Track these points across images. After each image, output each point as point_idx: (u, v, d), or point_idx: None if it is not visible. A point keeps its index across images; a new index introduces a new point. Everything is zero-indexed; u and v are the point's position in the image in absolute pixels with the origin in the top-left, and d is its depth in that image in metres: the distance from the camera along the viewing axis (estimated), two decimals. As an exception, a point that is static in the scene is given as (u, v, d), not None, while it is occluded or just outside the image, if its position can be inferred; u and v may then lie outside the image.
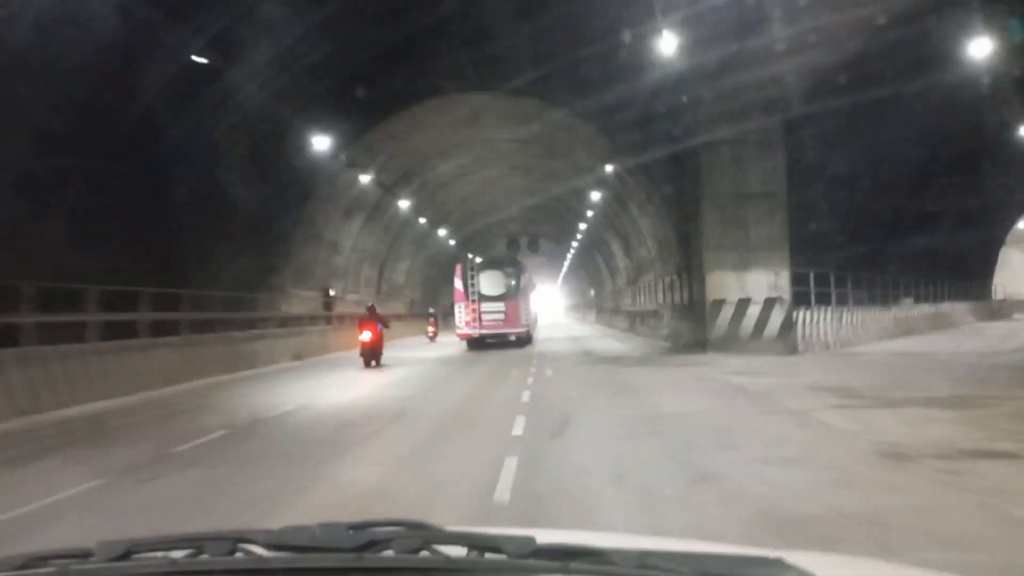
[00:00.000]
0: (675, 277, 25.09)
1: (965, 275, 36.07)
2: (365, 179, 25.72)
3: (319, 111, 20.36)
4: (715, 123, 17.33)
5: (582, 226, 40.57)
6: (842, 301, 21.37)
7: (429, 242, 41.30)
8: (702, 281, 18.28)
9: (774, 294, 17.39)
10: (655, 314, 26.19)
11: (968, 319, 33.26)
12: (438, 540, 1.15)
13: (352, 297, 31.27)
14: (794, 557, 1.14)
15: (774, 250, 17.52)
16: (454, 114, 26.07)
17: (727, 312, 17.60)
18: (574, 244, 49.48)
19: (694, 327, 19.30)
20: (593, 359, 18.19)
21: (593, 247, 45.92)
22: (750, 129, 17.03)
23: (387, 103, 23.12)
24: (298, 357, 21.81)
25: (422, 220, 35.26)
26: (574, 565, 1.04)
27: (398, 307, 38.64)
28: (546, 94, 23.80)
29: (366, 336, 17.89)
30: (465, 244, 48.55)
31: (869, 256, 25.35)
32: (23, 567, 1.14)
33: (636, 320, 30.65)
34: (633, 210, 29.87)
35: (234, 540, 1.17)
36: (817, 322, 18.82)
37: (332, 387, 13.74)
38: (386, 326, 18.69)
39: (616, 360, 17.62)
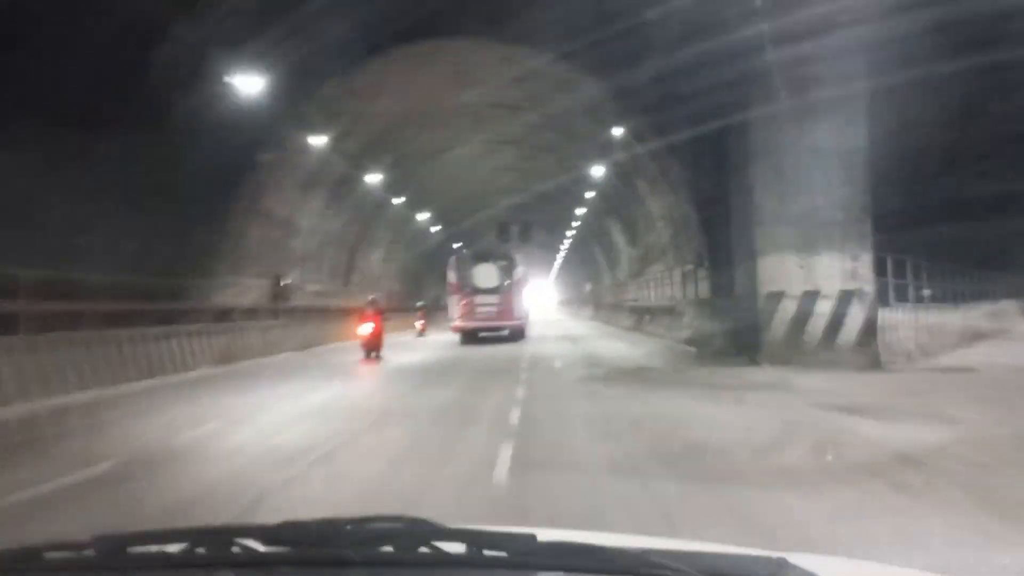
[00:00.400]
0: (695, 266, 20.18)
1: (1000, 268, 31.24)
2: (320, 143, 20.62)
3: (257, 54, 15.34)
4: (771, 54, 12.34)
5: (579, 211, 35.55)
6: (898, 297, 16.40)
7: (408, 228, 36.23)
8: (751, 266, 13.32)
9: (851, 285, 12.44)
10: (670, 311, 21.24)
11: (1019, 320, 28.48)
12: (438, 536, 1.09)
13: (314, 287, 26.23)
14: (796, 558, 1.09)
15: (851, 225, 12.50)
16: (429, 69, 21.08)
17: (787, 309, 12.60)
18: (570, 233, 44.46)
19: (734, 329, 14.36)
20: (605, 372, 13.10)
21: (591, 235, 40.92)
22: (821, 58, 12.04)
23: (345, 50, 18.15)
24: (225, 361, 16.79)
25: (398, 201, 30.16)
26: (575, 563, 1.01)
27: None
28: (539, 40, 18.90)
29: (367, 329, 17.29)
30: (450, 231, 43.48)
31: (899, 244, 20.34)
32: (20, 559, 1.11)
33: (643, 317, 25.71)
34: (642, 188, 24.90)
35: (231, 534, 1.13)
36: (895, 324, 13.89)
37: (218, 417, 8.76)
38: (385, 319, 18.42)
39: (638, 375, 12.53)
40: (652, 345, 18.78)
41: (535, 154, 30.56)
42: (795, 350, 12.40)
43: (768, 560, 1.05)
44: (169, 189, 15.85)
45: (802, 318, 12.44)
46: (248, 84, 15.24)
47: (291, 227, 23.47)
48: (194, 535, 1.13)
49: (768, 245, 12.81)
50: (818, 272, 12.47)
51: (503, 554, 1.03)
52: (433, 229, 39.13)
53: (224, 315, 18.49)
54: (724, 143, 14.89)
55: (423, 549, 1.05)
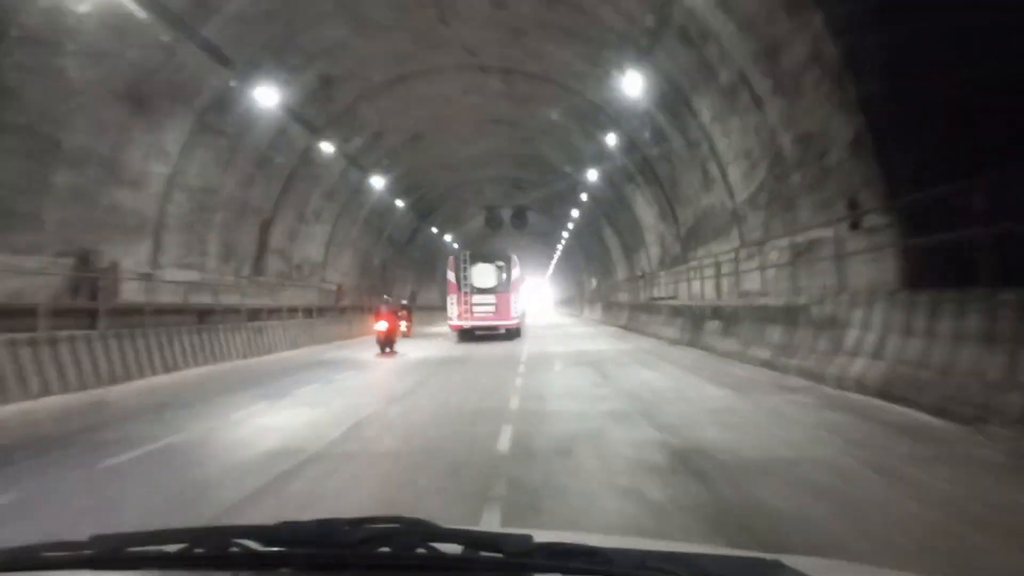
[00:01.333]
0: (850, 223, 9.66)
1: None
2: (140, 13, 10.02)
3: None
4: None
5: (591, 178, 24.92)
6: None
7: (364, 200, 25.65)
8: None
9: None
10: (787, 316, 10.65)
11: None
12: (435, 537, 1.04)
13: (186, 276, 15.69)
14: (792, 560, 1.03)
15: None
16: None
17: None
18: (575, 211, 33.85)
19: None
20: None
21: (603, 215, 30.26)
22: None
23: None
24: None
25: (329, 149, 19.54)
26: (572, 564, 0.95)
27: (308, 296, 23.04)
28: None
29: (382, 325, 16.75)
30: (423, 209, 32.90)
31: None
32: (17, 559, 1.05)
33: (703, 325, 15.16)
34: (706, 111, 14.33)
35: (229, 534, 1.08)
36: None
37: None
38: (397, 315, 18.28)
39: None
40: (797, 397, 7.99)
41: (535, 87, 20.05)
42: None
43: (764, 562, 1.01)
44: None
45: None
46: None
47: (117, 169, 12.90)
48: (192, 535, 1.07)
49: None
50: None
51: (499, 555, 0.98)
52: (400, 204, 28.53)
53: None
54: None
55: (420, 550, 1.01)
